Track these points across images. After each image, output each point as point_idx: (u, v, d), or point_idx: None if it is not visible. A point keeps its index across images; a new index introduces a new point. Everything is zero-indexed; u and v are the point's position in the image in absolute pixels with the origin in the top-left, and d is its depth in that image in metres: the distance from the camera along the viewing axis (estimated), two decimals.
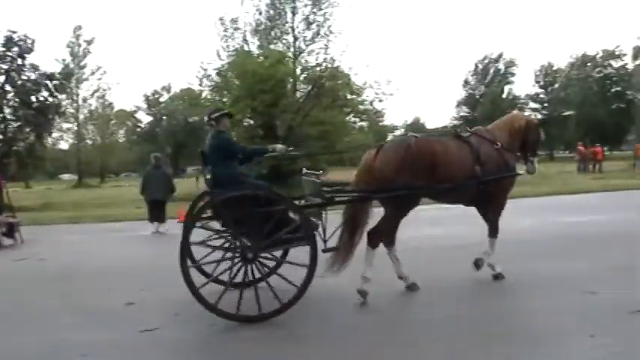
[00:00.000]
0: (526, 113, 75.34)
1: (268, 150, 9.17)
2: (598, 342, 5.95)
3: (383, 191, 8.70)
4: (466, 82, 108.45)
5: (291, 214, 8.06)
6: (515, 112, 10.78)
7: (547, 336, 6.32)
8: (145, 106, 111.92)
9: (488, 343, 6.25)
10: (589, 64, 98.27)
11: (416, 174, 8.60)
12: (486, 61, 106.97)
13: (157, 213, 18.77)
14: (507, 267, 9.45)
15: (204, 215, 8.51)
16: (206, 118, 8.85)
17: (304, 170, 9.92)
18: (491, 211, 9.66)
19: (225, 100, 38.72)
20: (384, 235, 8.87)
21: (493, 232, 9.60)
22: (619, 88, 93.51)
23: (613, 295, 7.77)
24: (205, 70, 39.64)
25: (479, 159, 9.20)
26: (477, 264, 9.43)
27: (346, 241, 8.83)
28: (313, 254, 7.76)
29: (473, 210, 9.81)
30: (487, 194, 9.39)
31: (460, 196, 9.37)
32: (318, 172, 8.85)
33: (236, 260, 7.97)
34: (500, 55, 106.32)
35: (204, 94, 43.69)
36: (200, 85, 41.48)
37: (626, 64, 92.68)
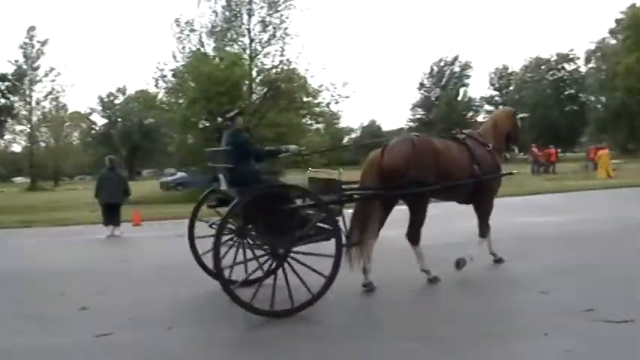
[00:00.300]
0: (481, 117, 76.41)
1: (282, 151, 9.28)
2: (551, 341, 6.02)
3: (397, 188, 9.08)
4: (421, 85, 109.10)
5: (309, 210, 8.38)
6: (498, 111, 11.88)
7: (501, 335, 6.39)
8: (99, 108, 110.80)
9: (445, 344, 6.29)
10: (543, 66, 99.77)
11: (422, 169, 9.08)
12: (442, 64, 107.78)
13: (111, 216, 18.57)
14: (464, 268, 9.52)
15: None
16: (220, 119, 9.09)
17: (310, 170, 10.05)
18: (481, 211, 10.26)
19: (181, 101, 38.61)
20: (418, 228, 9.33)
21: (483, 232, 10.22)
22: (572, 91, 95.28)
23: (566, 294, 7.87)
24: (162, 70, 39.50)
25: (475, 159, 9.83)
26: (458, 264, 9.72)
27: (358, 238, 9.03)
28: (339, 246, 8.02)
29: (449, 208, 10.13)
30: (481, 193, 10.00)
31: (459, 194, 9.97)
32: (339, 171, 9.02)
33: (266, 257, 8.15)
34: (455, 58, 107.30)
35: (159, 96, 43.50)
36: (156, 86, 41.39)
37: (579, 67, 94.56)
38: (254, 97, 40.81)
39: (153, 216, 22.65)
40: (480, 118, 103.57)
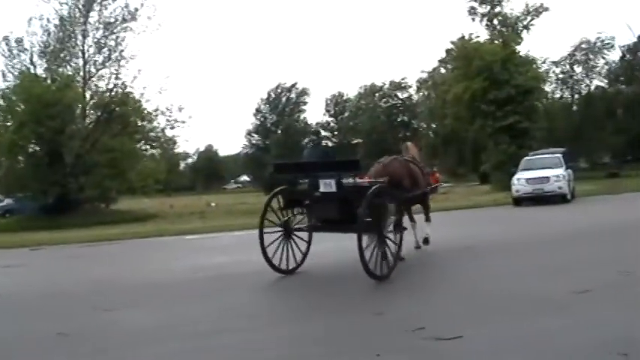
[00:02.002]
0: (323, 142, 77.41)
1: None
2: None
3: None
4: (258, 111, 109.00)
5: None
6: (411, 144, 15.26)
7: (334, 357, 6.39)
8: None
9: None
10: (377, 94, 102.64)
11: (410, 180, 13.00)
12: (279, 90, 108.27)
13: None
14: (302, 292, 9.54)
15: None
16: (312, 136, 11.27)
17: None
18: (426, 206, 14.47)
19: (9, 124, 36.89)
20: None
21: (429, 218, 14.38)
22: (405, 118, 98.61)
23: (399, 314, 8.04)
24: None
25: (424, 174, 14.15)
26: (426, 241, 13.85)
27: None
28: (400, 228, 11.70)
29: None
30: (426, 196, 14.28)
31: (419, 199, 13.91)
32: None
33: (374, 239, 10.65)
34: (293, 85, 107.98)
35: None
36: None
37: (412, 95, 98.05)
38: (87, 121, 39.67)
39: None
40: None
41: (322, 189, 11.17)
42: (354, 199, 10.68)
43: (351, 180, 11.49)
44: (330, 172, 11.40)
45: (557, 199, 26.94)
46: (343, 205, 10.96)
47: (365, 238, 10.33)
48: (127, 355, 6.85)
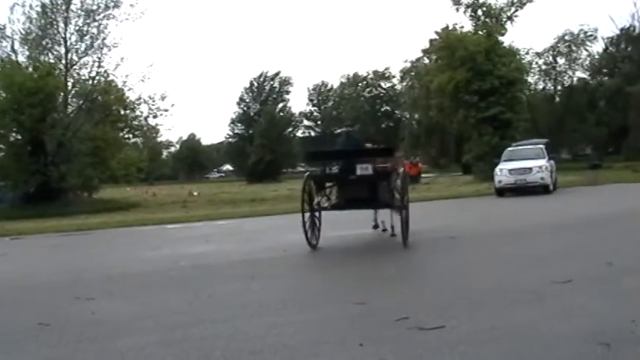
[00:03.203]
0: (300, 132, 78.01)
1: None
2: (367, 350, 6.06)
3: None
4: (241, 100, 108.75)
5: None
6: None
7: (316, 347, 6.37)
8: None
9: (260, 357, 6.21)
10: (360, 83, 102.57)
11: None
12: (262, 79, 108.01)
13: None
14: (284, 282, 9.50)
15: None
16: (345, 129, 11.98)
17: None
18: None
19: None
20: None
21: None
22: (388, 108, 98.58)
23: (382, 304, 8.01)
24: None
25: None
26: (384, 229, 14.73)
27: None
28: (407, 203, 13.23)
29: None
30: None
31: None
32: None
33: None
34: (276, 74, 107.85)
35: None
36: None
37: (395, 85, 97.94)
38: (69, 109, 39.32)
39: None
40: (299, 134, 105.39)
41: (359, 172, 12.73)
42: (380, 180, 13.00)
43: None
44: (368, 157, 13.45)
45: (539, 189, 27.21)
46: (372, 186, 13.10)
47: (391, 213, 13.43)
48: (109, 345, 6.78)
